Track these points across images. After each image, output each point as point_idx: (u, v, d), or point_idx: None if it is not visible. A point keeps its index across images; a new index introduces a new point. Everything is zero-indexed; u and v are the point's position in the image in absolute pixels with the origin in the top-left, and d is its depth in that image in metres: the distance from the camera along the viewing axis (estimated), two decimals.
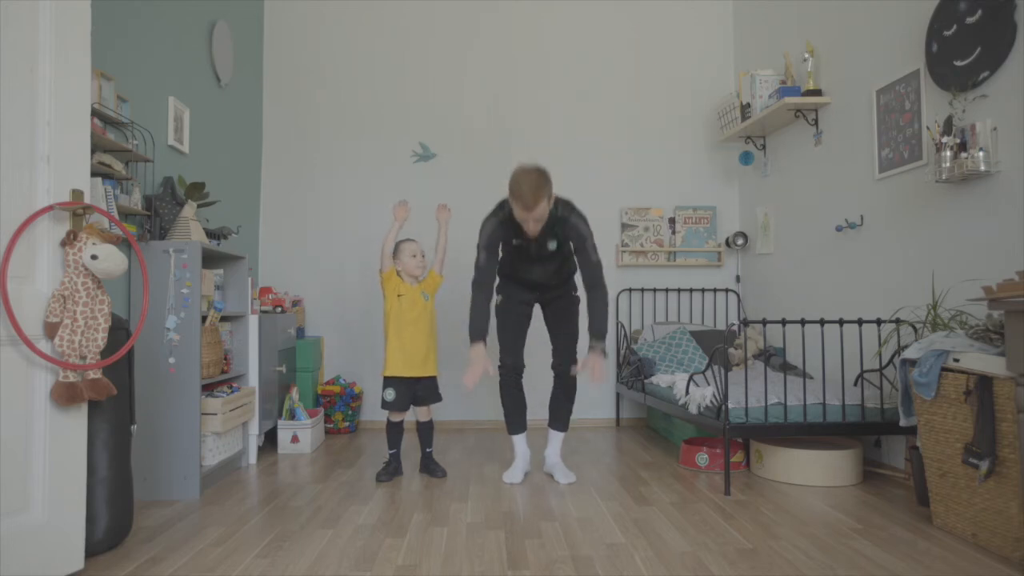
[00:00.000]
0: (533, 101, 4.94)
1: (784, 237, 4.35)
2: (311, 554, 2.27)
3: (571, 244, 3.19)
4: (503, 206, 3.12)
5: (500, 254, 3.25)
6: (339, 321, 4.80)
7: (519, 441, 3.35)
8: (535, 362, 3.84)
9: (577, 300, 3.39)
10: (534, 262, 3.24)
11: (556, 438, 3.38)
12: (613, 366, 4.80)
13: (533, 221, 2.96)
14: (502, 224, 3.11)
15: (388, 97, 4.90)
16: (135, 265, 2.98)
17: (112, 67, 2.89)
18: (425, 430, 3.42)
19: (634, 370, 4.25)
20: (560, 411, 3.37)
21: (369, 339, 4.80)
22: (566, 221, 3.08)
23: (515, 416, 3.36)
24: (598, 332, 3.08)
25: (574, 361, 3.32)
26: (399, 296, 3.35)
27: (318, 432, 4.14)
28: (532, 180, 2.87)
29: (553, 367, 3.35)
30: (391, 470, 3.32)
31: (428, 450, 3.41)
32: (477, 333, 3.08)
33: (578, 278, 3.32)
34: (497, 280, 3.31)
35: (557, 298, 3.37)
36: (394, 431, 3.36)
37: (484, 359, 3.02)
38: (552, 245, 3.16)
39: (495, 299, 3.25)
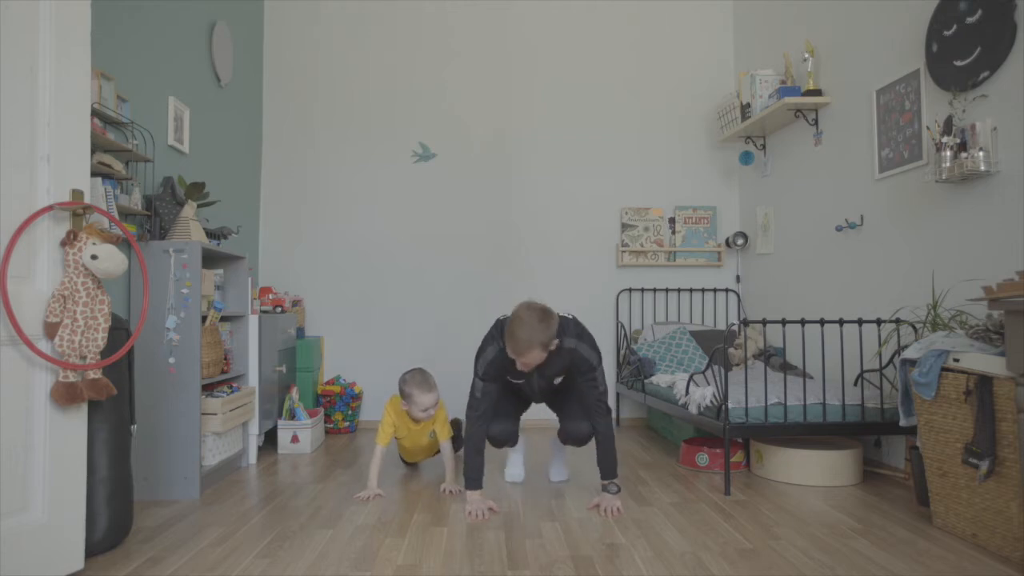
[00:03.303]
0: (532, 101, 4.94)
1: (784, 237, 4.35)
2: (311, 554, 2.27)
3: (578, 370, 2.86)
4: (503, 332, 2.74)
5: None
6: (339, 321, 4.81)
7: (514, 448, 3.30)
8: None
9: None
10: (535, 395, 3.02)
11: (561, 450, 3.30)
12: (613, 366, 4.81)
13: (522, 364, 2.70)
14: (502, 352, 2.77)
15: (388, 97, 4.90)
16: (135, 265, 2.98)
17: (112, 67, 2.89)
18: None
19: (634, 370, 4.25)
20: (569, 441, 3.08)
21: (369, 339, 4.80)
22: (574, 351, 2.78)
23: (510, 443, 3.19)
24: (609, 471, 2.82)
25: (585, 419, 2.96)
26: (398, 437, 3.20)
27: (318, 432, 4.14)
28: (529, 328, 2.58)
29: (565, 431, 3.04)
30: None
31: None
32: (473, 480, 2.77)
33: None
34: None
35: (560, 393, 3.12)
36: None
37: (481, 503, 2.72)
38: (558, 380, 2.94)
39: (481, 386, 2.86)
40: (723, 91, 4.97)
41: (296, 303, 4.66)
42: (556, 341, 2.71)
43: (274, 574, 2.10)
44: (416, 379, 3.06)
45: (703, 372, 3.46)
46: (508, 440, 3.08)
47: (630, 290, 4.87)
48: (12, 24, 1.94)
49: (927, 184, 3.08)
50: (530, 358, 2.65)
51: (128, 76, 3.04)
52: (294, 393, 4.05)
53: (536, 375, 2.92)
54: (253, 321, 3.62)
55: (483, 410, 2.83)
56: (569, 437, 3.04)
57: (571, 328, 2.82)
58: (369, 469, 3.05)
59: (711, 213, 4.93)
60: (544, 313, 2.64)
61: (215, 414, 3.10)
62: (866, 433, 3.11)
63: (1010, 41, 2.63)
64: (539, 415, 4.49)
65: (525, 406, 3.19)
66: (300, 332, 4.63)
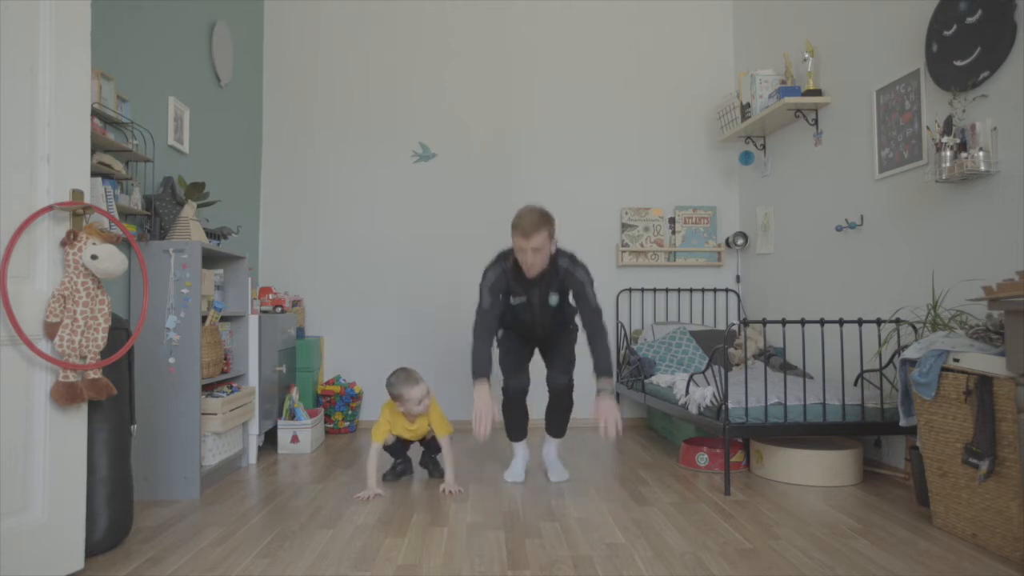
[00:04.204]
0: (532, 101, 4.94)
1: (784, 237, 4.35)
2: (311, 554, 2.27)
3: (571, 292, 3.12)
4: (505, 257, 3.09)
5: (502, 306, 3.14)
6: (339, 321, 4.81)
7: (519, 446, 3.36)
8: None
9: (575, 330, 3.35)
10: (535, 319, 3.17)
11: (552, 441, 3.38)
12: (612, 366, 4.80)
13: (532, 251, 2.90)
14: (504, 274, 3.07)
15: (388, 97, 4.90)
16: (135, 265, 2.98)
17: (112, 67, 2.89)
18: (435, 445, 3.33)
19: (634, 370, 4.25)
20: (556, 421, 3.35)
21: (369, 339, 4.80)
22: (568, 271, 3.05)
23: (517, 428, 3.34)
24: (604, 369, 2.96)
25: (567, 373, 3.25)
26: (397, 435, 3.23)
27: (318, 432, 4.14)
28: (533, 213, 2.91)
29: (547, 381, 3.25)
30: (398, 471, 3.33)
31: (434, 455, 3.39)
32: (479, 370, 2.93)
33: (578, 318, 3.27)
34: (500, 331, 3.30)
35: (556, 336, 3.32)
36: (394, 446, 3.31)
37: (489, 402, 2.83)
38: (554, 300, 3.11)
39: (498, 333, 3.17)
40: (723, 91, 4.97)
41: (296, 303, 4.66)
42: (555, 244, 3.01)
43: (274, 574, 2.10)
44: (400, 378, 3.12)
45: (703, 372, 3.46)
46: (522, 391, 3.23)
47: (630, 290, 4.87)
48: (12, 24, 1.94)
49: (927, 184, 3.08)
50: (537, 241, 2.88)
51: (128, 76, 3.04)
52: (294, 393, 4.05)
53: (536, 290, 3.08)
54: (253, 321, 3.62)
55: (489, 319, 3.03)
56: (550, 388, 3.24)
57: (566, 253, 3.10)
58: (367, 469, 3.05)
59: (711, 213, 4.93)
60: (543, 208, 2.97)
61: (215, 414, 3.10)
62: (866, 433, 3.11)
63: (1010, 41, 2.63)
64: (540, 415, 4.49)
65: (530, 353, 3.36)
66: (300, 332, 4.63)
